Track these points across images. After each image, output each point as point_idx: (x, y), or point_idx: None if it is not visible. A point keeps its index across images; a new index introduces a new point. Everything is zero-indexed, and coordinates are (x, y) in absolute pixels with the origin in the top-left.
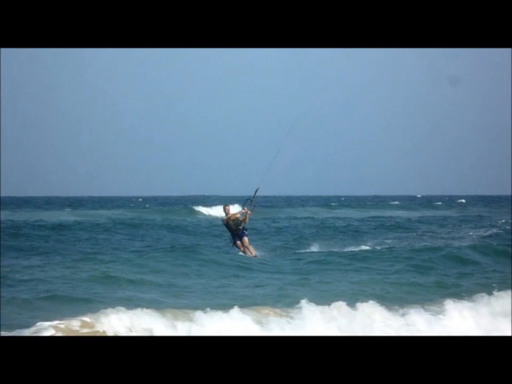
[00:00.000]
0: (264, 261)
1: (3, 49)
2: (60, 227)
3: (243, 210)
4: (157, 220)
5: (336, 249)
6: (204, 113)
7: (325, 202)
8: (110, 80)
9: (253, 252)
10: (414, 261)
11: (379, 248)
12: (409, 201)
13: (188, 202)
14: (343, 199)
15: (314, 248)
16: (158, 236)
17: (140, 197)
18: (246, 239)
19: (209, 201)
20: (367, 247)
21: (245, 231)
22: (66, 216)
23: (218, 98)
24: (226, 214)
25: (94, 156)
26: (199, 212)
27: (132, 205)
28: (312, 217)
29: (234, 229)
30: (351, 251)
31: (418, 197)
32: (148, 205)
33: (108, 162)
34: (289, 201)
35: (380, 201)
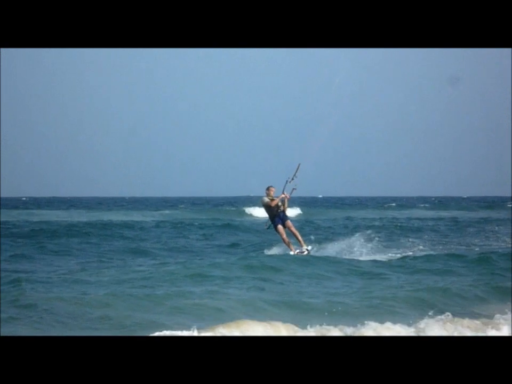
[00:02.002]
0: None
1: (3, 49)
2: (128, 226)
3: (282, 195)
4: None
5: (446, 251)
6: (239, 112)
7: (362, 203)
8: (112, 80)
9: (301, 239)
10: None
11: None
12: (461, 202)
13: (237, 203)
14: (391, 200)
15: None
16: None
17: (184, 198)
18: (290, 222)
19: (257, 201)
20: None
21: (285, 214)
22: (120, 216)
23: (246, 95)
24: (268, 195)
25: (135, 156)
26: (249, 212)
27: (182, 205)
28: (380, 218)
29: (275, 211)
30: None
31: (465, 198)
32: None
33: (148, 162)
34: (330, 202)
35: (425, 201)
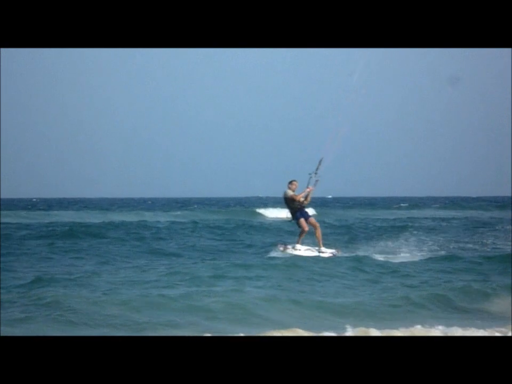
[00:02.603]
0: None
1: (3, 49)
2: (143, 227)
3: (307, 189)
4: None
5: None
6: (247, 112)
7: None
8: (111, 80)
9: (321, 239)
10: None
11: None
12: (470, 202)
13: (247, 204)
14: (401, 200)
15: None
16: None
17: (193, 198)
18: (314, 219)
19: (266, 202)
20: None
21: (306, 210)
22: (132, 216)
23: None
24: (290, 189)
25: (144, 157)
26: (261, 212)
27: (195, 206)
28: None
29: (298, 205)
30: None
31: (474, 198)
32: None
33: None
34: (341, 202)
35: (435, 201)
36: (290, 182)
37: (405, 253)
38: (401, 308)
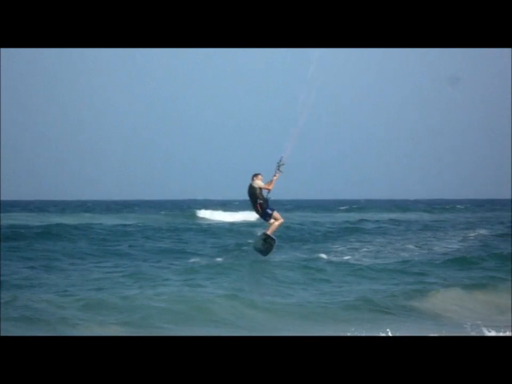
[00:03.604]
0: None
1: (3, 49)
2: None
3: (274, 178)
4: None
5: None
6: (202, 115)
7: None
8: (110, 80)
9: (274, 228)
10: None
11: None
12: (409, 204)
13: (184, 206)
14: (339, 203)
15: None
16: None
17: (129, 201)
18: (276, 213)
19: (209, 204)
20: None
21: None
22: (73, 219)
23: (219, 98)
24: (257, 181)
25: (86, 159)
26: (202, 215)
27: (136, 208)
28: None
29: (266, 197)
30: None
31: (411, 200)
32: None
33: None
34: (279, 205)
35: (376, 204)
36: (256, 175)
37: (349, 255)
38: (349, 308)
